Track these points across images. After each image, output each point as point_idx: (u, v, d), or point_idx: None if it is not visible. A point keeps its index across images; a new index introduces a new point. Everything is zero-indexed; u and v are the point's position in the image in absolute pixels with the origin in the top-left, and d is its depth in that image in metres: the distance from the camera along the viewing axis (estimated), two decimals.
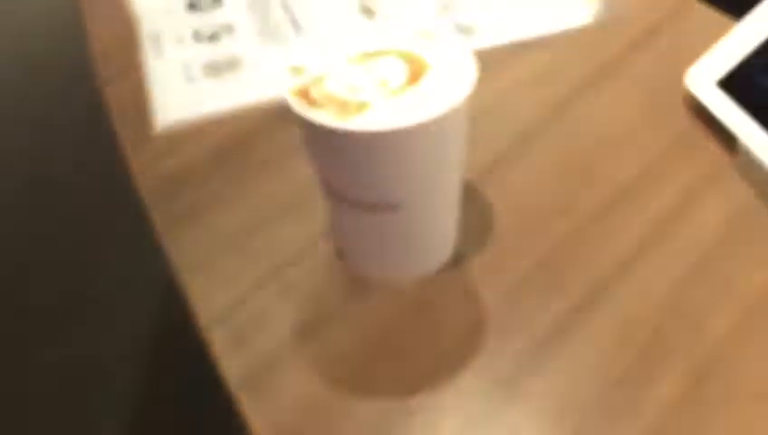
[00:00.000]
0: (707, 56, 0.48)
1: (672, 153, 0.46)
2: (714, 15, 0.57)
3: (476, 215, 0.44)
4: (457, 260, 0.41)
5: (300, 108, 0.35)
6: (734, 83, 0.46)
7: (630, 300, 0.39)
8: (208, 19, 0.63)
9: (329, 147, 0.35)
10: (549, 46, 0.56)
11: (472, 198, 0.45)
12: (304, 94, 0.36)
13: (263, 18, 0.62)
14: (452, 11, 0.61)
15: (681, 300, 0.38)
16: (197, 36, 0.61)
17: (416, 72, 0.36)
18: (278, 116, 0.52)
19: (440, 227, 0.40)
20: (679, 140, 0.47)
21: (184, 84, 0.56)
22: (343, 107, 0.35)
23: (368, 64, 0.37)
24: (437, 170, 0.37)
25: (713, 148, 0.46)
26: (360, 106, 0.35)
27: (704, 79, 0.48)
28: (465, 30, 0.58)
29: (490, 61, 0.54)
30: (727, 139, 0.46)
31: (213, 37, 0.61)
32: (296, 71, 0.37)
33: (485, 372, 0.37)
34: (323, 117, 0.34)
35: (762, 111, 0.44)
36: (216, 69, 0.58)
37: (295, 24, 0.61)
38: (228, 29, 0.62)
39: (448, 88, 0.35)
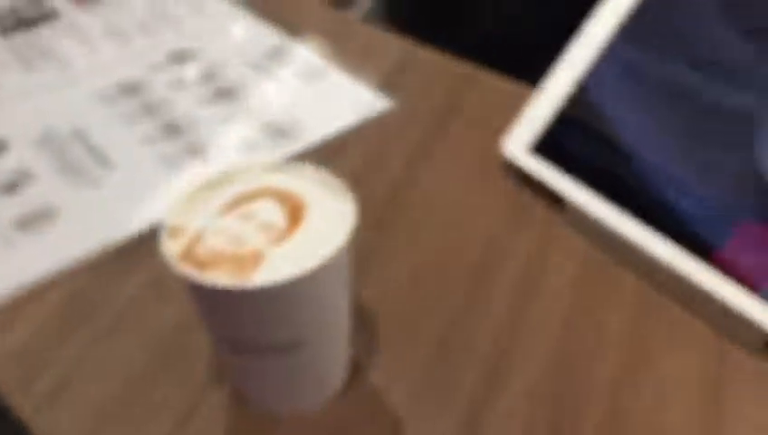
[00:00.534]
0: (517, 125, 0.53)
1: (509, 222, 0.51)
2: (505, 85, 0.63)
3: (360, 322, 0.45)
4: (355, 372, 0.42)
5: (194, 275, 0.34)
6: (545, 147, 0.52)
7: (523, 371, 0.42)
8: None
9: (236, 307, 0.34)
10: (358, 140, 0.59)
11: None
12: (189, 257, 0.35)
13: (59, 155, 0.58)
14: (262, 119, 0.61)
15: (566, 356, 0.42)
16: None
17: (294, 210, 0.37)
18: (115, 263, 0.49)
19: (343, 349, 0.41)
20: (512, 208, 0.52)
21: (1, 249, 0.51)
22: (239, 263, 0.34)
23: (241, 211, 0.37)
24: (342, 299, 0.37)
25: (541, 210, 0.51)
26: (256, 258, 0.34)
27: (518, 147, 0.53)
28: (281, 132, 0.59)
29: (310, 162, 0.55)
30: (555, 198, 0.51)
31: (10, 188, 0.56)
32: (174, 232, 0.36)
33: None
34: (224, 279, 0.33)
35: (575, 169, 0.50)
36: (27, 223, 0.53)
37: (102, 160, 0.58)
38: (25, 176, 0.57)
39: (332, 219, 0.36)
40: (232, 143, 0.58)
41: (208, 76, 0.66)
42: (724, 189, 0.44)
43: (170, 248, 0.35)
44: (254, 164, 0.39)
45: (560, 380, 0.41)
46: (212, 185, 0.38)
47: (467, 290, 0.46)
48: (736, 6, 0.46)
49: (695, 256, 0.44)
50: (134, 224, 0.52)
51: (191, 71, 0.67)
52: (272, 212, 0.37)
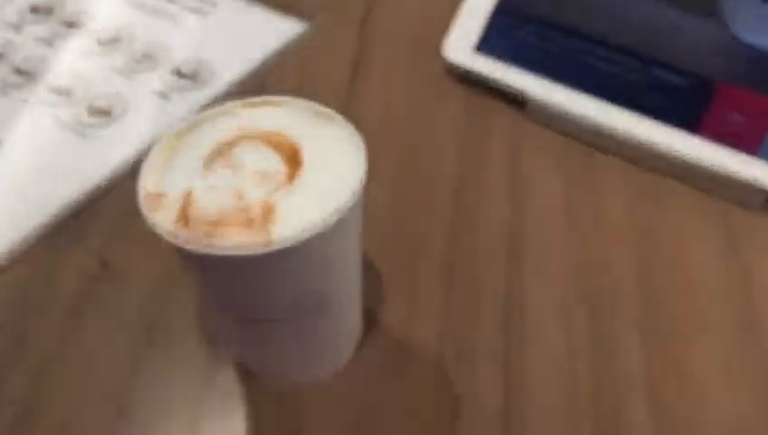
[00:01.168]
0: (454, 25, 0.50)
1: (472, 130, 0.47)
2: None
3: None
4: (369, 323, 0.38)
5: (204, 247, 0.28)
6: (489, 44, 0.49)
7: (539, 274, 0.39)
8: None
9: (261, 270, 0.29)
10: (279, 74, 0.53)
11: None
12: (185, 224, 0.29)
13: None
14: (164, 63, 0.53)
15: (576, 254, 0.40)
16: None
17: (289, 151, 0.31)
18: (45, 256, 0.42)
19: (360, 300, 0.36)
20: (470, 114, 0.48)
21: None
22: (248, 221, 0.29)
23: (226, 161, 0.31)
24: (360, 244, 0.33)
25: (502, 110, 0.48)
26: (266, 212, 0.29)
27: (460, 49, 0.49)
28: (190, 77, 0.52)
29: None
30: (512, 96, 0.48)
31: None
32: (156, 199, 0.30)
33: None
34: (238, 241, 0.28)
35: (529, 61, 0.47)
36: None
37: None
38: None
39: (335, 154, 0.31)
40: (143, 97, 0.50)
41: (80, 24, 0.57)
42: (695, 55, 0.43)
43: (160, 220, 0.29)
44: (221, 107, 0.33)
45: (578, 278, 0.39)
46: (181, 135, 0.32)
47: (455, 209, 0.43)
48: None
49: (677, 129, 0.42)
50: (49, 204, 0.44)
51: (60, 23, 0.57)
52: (265, 157, 0.31)
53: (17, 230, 0.42)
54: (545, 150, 0.46)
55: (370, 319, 0.38)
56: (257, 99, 0.34)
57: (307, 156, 0.31)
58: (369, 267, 0.40)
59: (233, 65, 0.52)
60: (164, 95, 0.50)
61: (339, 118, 0.32)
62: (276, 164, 0.31)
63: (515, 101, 0.48)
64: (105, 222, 0.43)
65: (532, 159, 0.45)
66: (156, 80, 0.52)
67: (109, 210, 0.44)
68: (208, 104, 0.50)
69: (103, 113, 0.49)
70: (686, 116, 0.42)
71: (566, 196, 0.43)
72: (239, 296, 0.31)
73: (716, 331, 0.37)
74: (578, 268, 0.39)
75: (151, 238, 0.42)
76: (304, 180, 0.30)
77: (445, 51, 0.50)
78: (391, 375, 0.36)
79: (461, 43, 0.49)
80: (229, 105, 0.33)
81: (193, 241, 0.28)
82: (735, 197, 0.42)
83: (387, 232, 0.42)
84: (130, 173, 0.46)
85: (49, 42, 0.56)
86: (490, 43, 0.48)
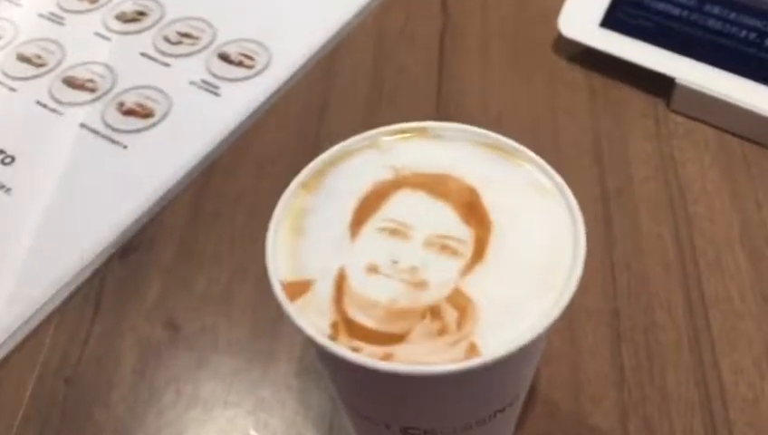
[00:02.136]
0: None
1: (607, 120, 0.38)
2: None
3: None
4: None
5: (394, 366, 0.19)
6: (616, 19, 0.39)
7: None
8: None
9: (456, 388, 0.20)
10: (353, 48, 0.43)
11: None
12: (347, 326, 0.20)
13: None
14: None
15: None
16: None
17: (468, 207, 0.22)
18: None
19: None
20: (596, 99, 0.39)
21: None
22: (440, 326, 0.20)
23: (385, 222, 0.22)
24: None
25: (637, 96, 0.39)
26: (463, 309, 0.20)
27: (581, 24, 0.40)
28: (242, 63, 0.42)
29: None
30: (644, 77, 0.39)
31: None
32: (296, 289, 0.21)
33: None
34: (434, 356, 0.19)
35: (668, 37, 0.38)
36: None
37: None
38: None
39: (538, 223, 0.22)
40: (181, 91, 0.40)
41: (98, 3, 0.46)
42: None
43: (309, 321, 0.20)
44: (359, 138, 0.24)
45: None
46: (309, 184, 0.23)
47: (605, 224, 0.34)
48: None
49: None
50: (81, 252, 0.34)
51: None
52: (434, 214, 0.22)
53: (44, 281, 0.33)
54: (702, 151, 0.37)
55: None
56: (410, 125, 0.24)
57: (493, 211, 0.22)
58: None
59: (293, 45, 0.42)
60: (211, 87, 0.40)
61: (527, 153, 0.23)
62: (456, 226, 0.22)
63: (655, 87, 0.39)
64: (162, 265, 0.34)
65: (687, 164, 0.36)
66: (199, 67, 0.42)
67: (165, 249, 0.34)
68: (268, 99, 0.40)
69: (142, 116, 0.39)
70: None
71: (742, 210, 0.34)
72: (415, 411, 0.22)
73: None
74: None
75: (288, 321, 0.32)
76: (499, 250, 0.21)
77: (561, 25, 0.40)
78: None
79: (582, 16, 0.40)
80: (373, 133, 0.24)
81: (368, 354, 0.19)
82: None
83: None
84: (189, 195, 0.36)
85: (58, 19, 0.45)
86: (620, 14, 0.39)
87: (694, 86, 0.37)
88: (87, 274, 0.33)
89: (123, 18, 0.45)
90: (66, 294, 0.33)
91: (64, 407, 0.30)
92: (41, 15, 0.46)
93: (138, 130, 0.39)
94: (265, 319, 0.32)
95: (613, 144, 0.37)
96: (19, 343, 0.31)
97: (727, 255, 0.33)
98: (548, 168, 0.23)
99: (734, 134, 0.37)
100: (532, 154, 0.23)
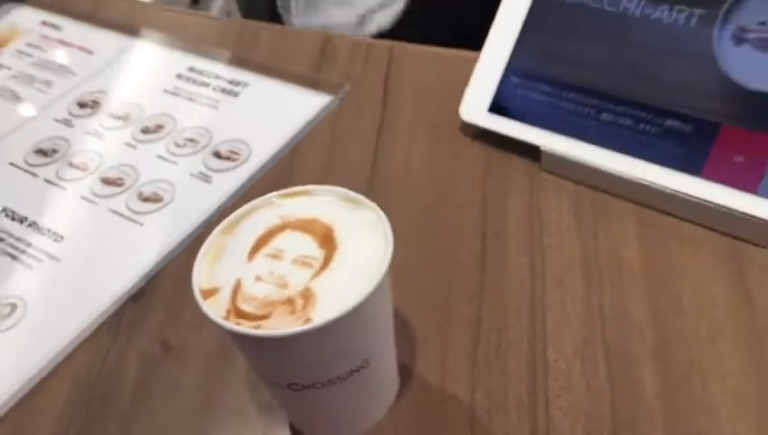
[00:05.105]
0: (469, 89, 0.53)
1: (493, 181, 0.51)
2: (435, 51, 0.62)
3: None
4: (404, 377, 0.41)
5: (255, 331, 0.32)
6: (501, 104, 0.52)
7: (560, 328, 0.42)
8: None
9: (305, 348, 0.33)
10: (312, 143, 0.57)
11: None
12: (236, 313, 0.33)
13: None
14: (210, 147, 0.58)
15: (592, 296, 0.43)
16: None
17: (324, 236, 0.35)
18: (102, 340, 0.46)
19: (394, 363, 0.40)
20: (489, 168, 0.52)
21: None
22: (291, 305, 0.32)
23: (272, 248, 0.35)
24: (391, 310, 0.36)
25: (518, 163, 0.52)
26: (306, 296, 0.33)
27: (475, 109, 0.53)
28: (228, 157, 0.56)
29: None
30: (526, 150, 0.52)
31: None
32: (209, 293, 0.34)
33: None
34: (284, 325, 0.32)
35: (540, 117, 0.50)
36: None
37: (45, 232, 0.53)
38: None
39: (365, 236, 0.35)
40: (184, 181, 0.55)
41: (127, 117, 0.62)
42: (695, 100, 0.45)
43: (213, 312, 0.33)
44: (261, 199, 0.37)
45: (598, 323, 0.42)
46: (225, 230, 0.36)
47: (480, 264, 0.46)
48: None
49: (683, 172, 0.45)
50: (110, 292, 0.48)
51: (108, 116, 0.63)
52: (301, 244, 0.35)
53: (80, 317, 0.47)
54: (561, 199, 0.49)
55: (405, 374, 0.41)
56: (295, 189, 0.37)
57: (340, 239, 0.35)
58: (401, 327, 0.43)
59: (267, 142, 0.57)
60: (206, 177, 0.55)
61: (366, 202, 0.36)
62: (314, 250, 0.35)
63: (530, 154, 0.51)
64: (162, 305, 0.47)
65: (549, 210, 0.48)
66: (198, 163, 0.56)
67: (164, 293, 0.48)
68: (247, 183, 0.54)
69: (153, 200, 0.54)
70: (691, 159, 0.45)
71: (583, 242, 0.46)
72: (288, 369, 0.34)
73: (730, 365, 0.39)
74: (597, 312, 0.42)
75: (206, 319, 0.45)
76: (339, 263, 0.34)
77: (462, 113, 0.53)
78: (426, 425, 0.39)
79: (476, 105, 0.53)
80: (270, 196, 0.37)
81: (243, 329, 0.32)
82: (744, 234, 0.44)
83: (417, 291, 0.45)
84: (184, 254, 0.50)
85: (98, 134, 0.61)
86: (503, 103, 0.52)
87: (554, 152, 0.49)
88: (110, 311, 0.47)
89: (147, 131, 0.60)
90: (96, 325, 0.46)
91: (89, 403, 0.43)
92: (87, 133, 0.61)
93: (151, 212, 0.53)
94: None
95: (497, 198, 0.50)
96: (63, 358, 0.45)
97: (568, 274, 0.44)
98: (378, 210, 0.35)
99: (586, 185, 0.49)
100: (370, 203, 0.36)
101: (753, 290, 0.42)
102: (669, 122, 0.46)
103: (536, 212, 0.48)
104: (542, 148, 0.50)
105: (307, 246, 0.35)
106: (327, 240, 0.35)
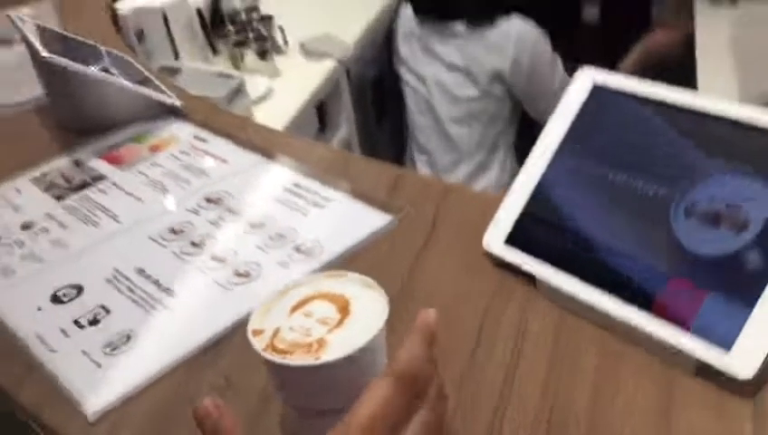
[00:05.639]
0: (492, 225, 0.68)
1: (497, 298, 0.65)
2: (478, 194, 0.78)
3: None
4: None
5: (277, 360, 0.47)
6: (515, 239, 0.67)
7: (521, 415, 0.55)
8: (77, 308, 0.71)
9: (311, 379, 0.48)
10: (368, 251, 0.73)
11: None
12: (271, 348, 0.48)
13: (128, 289, 0.72)
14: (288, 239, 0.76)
15: (551, 397, 0.56)
16: (79, 324, 0.69)
17: (342, 306, 0.51)
18: (185, 374, 0.62)
19: None
20: (498, 288, 0.66)
21: (93, 370, 0.64)
22: (309, 348, 0.48)
23: (303, 311, 0.51)
24: (383, 365, 0.51)
25: (521, 287, 0.66)
26: (321, 344, 0.48)
27: (495, 241, 0.68)
28: (306, 252, 0.74)
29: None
30: (529, 277, 0.66)
31: (94, 322, 0.69)
32: (257, 332, 0.50)
33: None
34: (300, 361, 0.47)
35: (540, 253, 0.65)
36: (114, 347, 0.66)
37: (163, 289, 0.71)
38: (104, 310, 0.70)
39: (370, 309, 0.50)
40: (271, 265, 0.72)
41: (240, 212, 0.81)
42: (655, 255, 0.59)
43: (257, 345, 0.49)
44: (306, 277, 0.54)
45: (550, 422, 0.54)
46: (280, 294, 0.52)
47: (471, 352, 0.60)
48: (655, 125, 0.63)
49: (638, 309, 0.58)
50: (198, 337, 0.65)
51: (226, 210, 0.82)
52: (326, 309, 0.51)
53: (169, 355, 0.64)
54: (546, 317, 0.62)
55: None
56: (333, 272, 0.54)
57: (354, 309, 0.50)
58: None
59: (336, 245, 0.74)
60: (285, 265, 0.72)
61: (377, 286, 0.52)
62: (333, 314, 0.50)
63: (531, 279, 0.65)
64: (232, 350, 0.63)
65: (536, 323, 0.62)
66: (283, 254, 0.74)
67: (235, 342, 0.64)
68: (313, 272, 0.71)
69: (246, 276, 0.71)
70: (645, 299, 0.58)
71: (551, 351, 0.59)
72: (302, 395, 0.49)
73: None
74: (550, 414, 0.55)
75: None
76: (349, 324, 0.49)
77: (484, 243, 0.68)
78: None
79: (495, 237, 0.68)
80: (315, 275, 0.54)
81: (272, 357, 0.47)
82: (675, 362, 0.56)
83: None
84: None
85: (216, 223, 0.80)
86: (516, 238, 0.67)
87: (547, 281, 0.63)
88: (195, 350, 0.64)
89: (253, 225, 0.79)
90: (183, 359, 0.63)
91: (168, 418, 0.59)
92: (208, 221, 0.80)
93: (241, 284, 0.70)
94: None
95: (491, 314, 0.64)
96: (155, 380, 0.62)
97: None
98: (383, 292, 0.51)
99: (569, 310, 0.62)
100: (380, 288, 0.51)
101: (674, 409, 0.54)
102: (634, 269, 0.59)
103: (522, 328, 0.62)
104: (537, 277, 0.64)
105: (330, 311, 0.51)
106: (344, 308, 0.51)
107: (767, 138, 0.58)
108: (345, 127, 1.73)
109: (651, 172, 0.61)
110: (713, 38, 1.40)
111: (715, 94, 1.29)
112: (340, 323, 0.50)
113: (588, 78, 0.68)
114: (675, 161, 0.60)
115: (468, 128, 1.78)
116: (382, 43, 1.93)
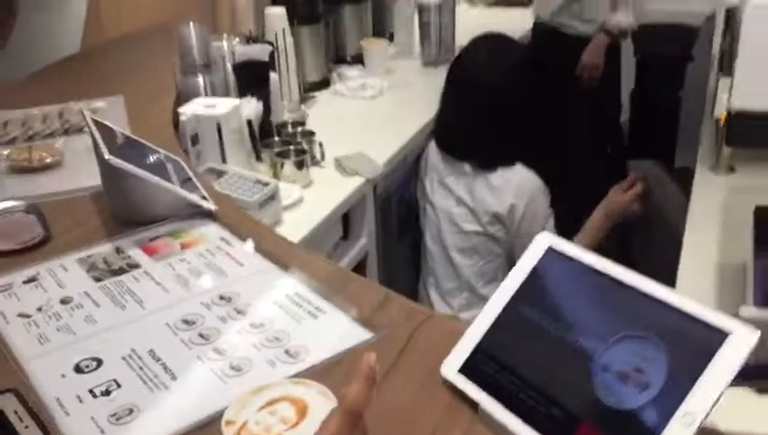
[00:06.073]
0: (451, 354, 0.80)
1: (446, 421, 0.76)
2: (449, 323, 0.90)
3: None
4: None
5: None
6: (467, 369, 0.78)
7: None
8: (94, 379, 0.84)
9: None
10: (345, 361, 0.85)
11: None
12: None
13: (139, 368, 0.85)
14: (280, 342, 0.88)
15: None
16: (93, 393, 0.82)
17: (301, 409, 0.63)
18: None
19: None
20: (448, 411, 0.77)
21: None
22: None
23: (270, 409, 0.63)
24: None
25: (467, 412, 0.77)
26: None
27: (450, 369, 0.79)
28: (293, 355, 0.86)
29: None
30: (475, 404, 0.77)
31: (106, 393, 0.82)
32: (229, 423, 0.62)
33: None
34: None
35: (484, 384, 0.76)
36: (118, 417, 0.78)
37: (168, 372, 0.84)
38: (116, 384, 0.83)
39: (325, 414, 0.62)
40: (261, 363, 0.85)
41: (245, 312, 0.94)
42: (574, 401, 0.69)
43: (226, 433, 0.61)
44: (279, 381, 0.66)
45: None
46: (254, 392, 0.65)
47: None
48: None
49: None
50: (189, 418, 0.77)
51: (233, 309, 0.95)
52: (287, 410, 0.63)
53: (163, 429, 0.75)
54: None
55: None
56: (299, 380, 0.66)
57: (311, 412, 0.62)
58: None
59: (321, 352, 0.86)
60: (272, 364, 0.84)
61: (332, 396, 0.63)
62: (293, 415, 0.62)
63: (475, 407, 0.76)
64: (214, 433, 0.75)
65: None
66: (273, 355, 0.86)
67: (217, 426, 0.76)
68: (294, 375, 0.83)
69: (239, 370, 0.84)
70: None
71: None
72: None
73: None
74: None
75: None
76: (304, 425, 0.61)
77: (442, 369, 0.80)
78: None
79: (452, 365, 0.79)
80: (284, 380, 0.66)
81: None
82: None
83: None
84: None
85: (224, 319, 0.93)
86: (468, 368, 0.78)
87: (485, 410, 0.74)
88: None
89: (253, 325, 0.92)
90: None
91: None
92: (218, 316, 0.93)
93: (235, 377, 0.83)
94: None
95: (438, 432, 0.74)
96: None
97: None
98: (335, 400, 0.63)
99: None
100: (332, 395, 0.63)
101: None
102: (555, 409, 0.70)
103: None
104: (479, 403, 0.75)
105: (290, 412, 0.63)
106: (302, 411, 0.63)
107: (679, 317, 0.69)
108: (366, 238, 1.88)
109: (582, 329, 0.73)
110: (706, 202, 1.53)
111: (698, 254, 1.40)
112: (297, 424, 0.61)
113: (545, 240, 0.81)
114: (601, 324, 0.72)
115: (470, 259, 1.95)
116: (411, 169, 2.10)
